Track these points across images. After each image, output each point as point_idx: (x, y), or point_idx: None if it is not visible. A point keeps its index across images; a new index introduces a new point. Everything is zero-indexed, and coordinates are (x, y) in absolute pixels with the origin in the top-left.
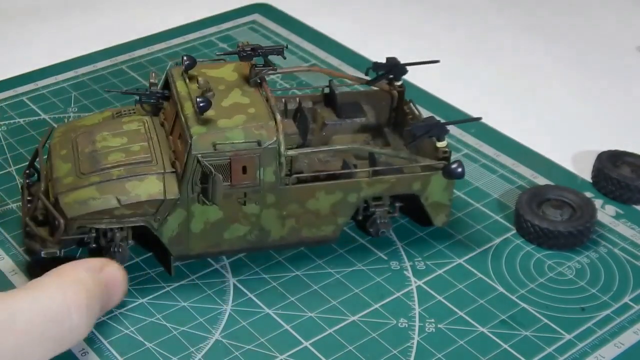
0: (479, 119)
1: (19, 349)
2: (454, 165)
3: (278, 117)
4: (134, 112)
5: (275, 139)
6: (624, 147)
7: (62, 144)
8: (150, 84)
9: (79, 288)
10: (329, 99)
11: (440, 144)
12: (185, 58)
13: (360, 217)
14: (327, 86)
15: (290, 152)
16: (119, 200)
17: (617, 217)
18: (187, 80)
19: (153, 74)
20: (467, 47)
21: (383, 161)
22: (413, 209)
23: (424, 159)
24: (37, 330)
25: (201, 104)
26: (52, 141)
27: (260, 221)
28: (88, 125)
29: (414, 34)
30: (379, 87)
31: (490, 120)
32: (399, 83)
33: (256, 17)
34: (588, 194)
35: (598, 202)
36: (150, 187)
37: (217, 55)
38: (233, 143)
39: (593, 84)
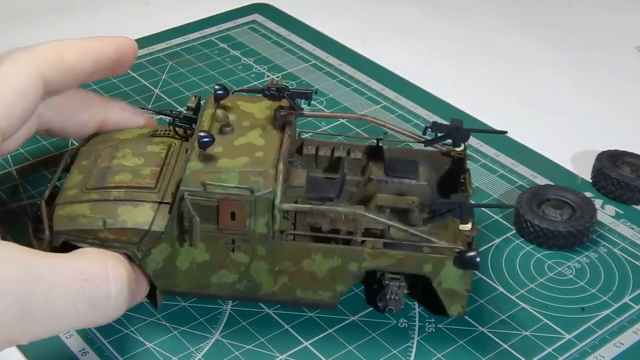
0: (511, 207)
1: (51, 302)
2: (470, 254)
3: (281, 166)
4: (169, 134)
5: (271, 189)
6: (624, 147)
7: (88, 154)
8: (187, 107)
9: (118, 261)
10: (381, 153)
11: (463, 227)
12: (217, 87)
13: (375, 287)
14: (380, 138)
15: (285, 206)
16: (104, 223)
17: (617, 217)
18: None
19: (193, 98)
20: (467, 48)
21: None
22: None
23: (439, 240)
24: (73, 287)
25: (202, 140)
26: (84, 148)
27: (250, 272)
28: (121, 139)
29: (415, 34)
30: (439, 150)
31: (491, 120)
32: (459, 149)
33: (256, 17)
34: (588, 194)
35: (598, 202)
36: (140, 215)
37: (235, 91)
38: (224, 186)
39: (593, 84)
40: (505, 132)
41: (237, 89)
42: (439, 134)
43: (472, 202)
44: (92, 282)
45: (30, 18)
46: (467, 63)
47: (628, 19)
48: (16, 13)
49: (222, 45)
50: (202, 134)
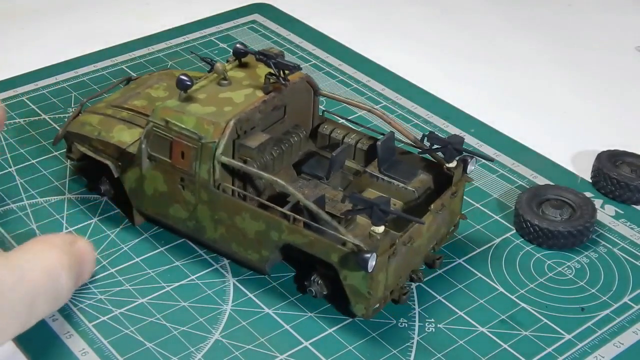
0: (420, 222)
1: (31, 300)
2: (364, 255)
3: (231, 122)
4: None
5: (216, 139)
6: (624, 147)
7: (142, 80)
8: (227, 61)
9: (60, 251)
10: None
11: (374, 229)
12: (239, 46)
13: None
14: (382, 134)
15: (223, 159)
16: (98, 134)
17: (617, 217)
18: (238, 66)
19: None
20: (467, 48)
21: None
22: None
23: (346, 233)
24: (42, 285)
25: (182, 82)
26: (145, 76)
27: (197, 214)
28: (176, 75)
29: (415, 34)
30: (437, 161)
31: (491, 120)
32: (450, 165)
33: (256, 17)
34: (588, 194)
35: (598, 202)
36: (126, 136)
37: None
38: (179, 126)
39: (593, 84)
40: (493, 160)
41: (242, 49)
42: (432, 145)
43: (391, 208)
44: (52, 277)
45: (30, 18)
46: (467, 63)
47: (628, 19)
48: (16, 13)
49: (222, 45)
50: (183, 77)
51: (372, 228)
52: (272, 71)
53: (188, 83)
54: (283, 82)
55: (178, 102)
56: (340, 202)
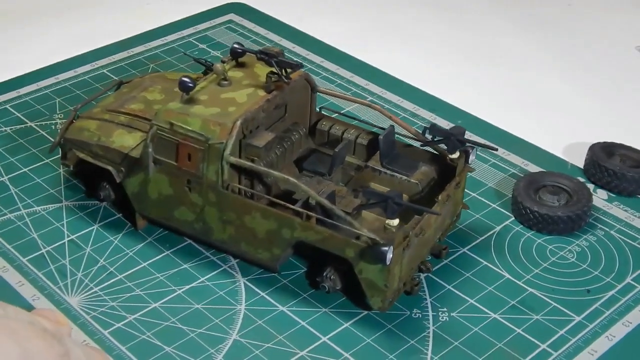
0: (436, 213)
1: None
2: (382, 248)
3: (238, 122)
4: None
5: (224, 140)
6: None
7: (135, 84)
8: (221, 60)
9: None
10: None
11: (389, 222)
12: (236, 45)
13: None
14: (382, 128)
15: (232, 159)
16: (98, 139)
17: (610, 200)
18: (235, 66)
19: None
20: (467, 47)
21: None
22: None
23: (361, 227)
24: None
25: (185, 84)
26: (137, 79)
27: (204, 215)
28: (168, 77)
29: (414, 34)
30: (440, 153)
31: (492, 120)
32: (453, 156)
33: (232, 16)
34: (581, 179)
35: (589, 187)
36: (127, 140)
37: (235, 48)
38: (185, 128)
39: (593, 84)
40: (496, 149)
41: (240, 48)
42: (435, 137)
43: (404, 201)
44: None
45: (30, 18)
46: (468, 63)
47: (628, 19)
48: (16, 13)
49: (201, 45)
50: (185, 79)
51: (387, 221)
52: (273, 70)
53: (190, 85)
54: (286, 80)
55: (180, 104)
56: (353, 197)
